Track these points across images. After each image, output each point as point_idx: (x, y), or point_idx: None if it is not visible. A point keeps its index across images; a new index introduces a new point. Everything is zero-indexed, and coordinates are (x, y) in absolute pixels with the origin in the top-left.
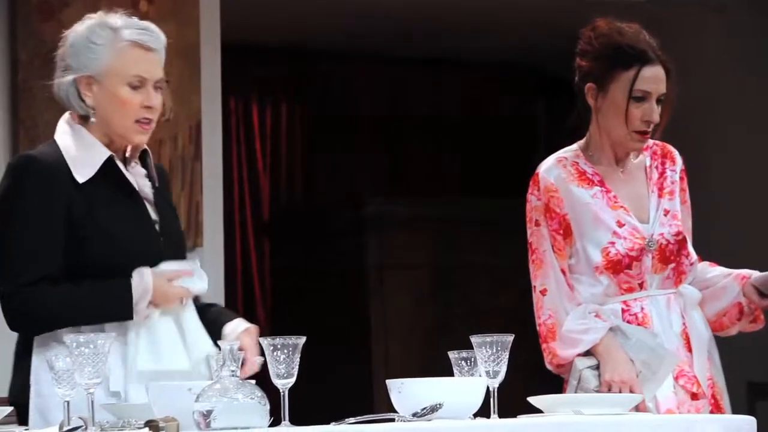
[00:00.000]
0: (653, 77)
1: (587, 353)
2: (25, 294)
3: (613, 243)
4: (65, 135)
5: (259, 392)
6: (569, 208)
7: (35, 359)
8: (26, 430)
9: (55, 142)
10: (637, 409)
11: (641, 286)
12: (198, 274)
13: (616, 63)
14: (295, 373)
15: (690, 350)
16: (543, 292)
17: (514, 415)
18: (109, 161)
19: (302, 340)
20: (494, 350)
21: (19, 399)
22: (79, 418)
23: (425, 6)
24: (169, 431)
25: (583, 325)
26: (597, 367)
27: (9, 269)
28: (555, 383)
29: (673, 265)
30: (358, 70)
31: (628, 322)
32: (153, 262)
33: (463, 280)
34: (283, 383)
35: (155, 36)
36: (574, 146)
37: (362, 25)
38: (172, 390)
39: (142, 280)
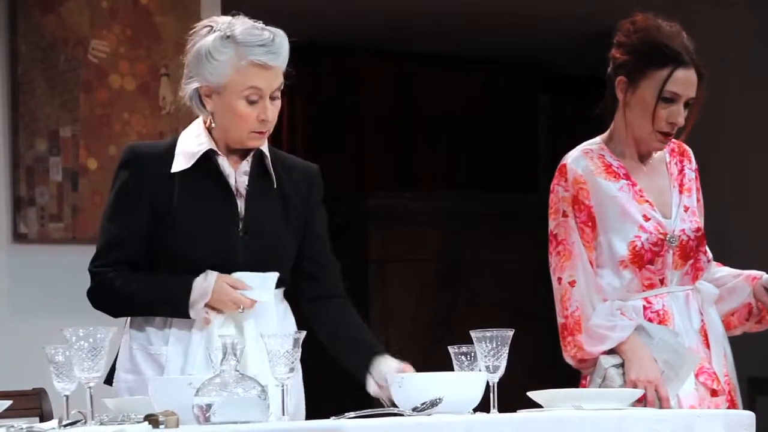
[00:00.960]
0: (685, 80)
1: (611, 351)
2: (101, 275)
3: (639, 237)
4: (189, 130)
5: (259, 386)
6: (595, 200)
7: (122, 344)
8: (27, 424)
9: (179, 134)
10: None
11: (662, 282)
12: (263, 288)
13: (651, 60)
14: (297, 368)
15: (708, 347)
16: (571, 284)
17: (513, 410)
18: (208, 154)
19: (302, 334)
20: (494, 345)
21: (106, 381)
22: (79, 412)
23: (429, 2)
24: (169, 425)
25: (611, 321)
26: (622, 366)
27: (97, 252)
28: (555, 378)
29: (692, 261)
30: (362, 64)
31: (650, 319)
32: (223, 258)
33: (466, 274)
34: (284, 377)
35: (277, 52)
36: (597, 139)
37: (366, 20)
38: (171, 384)
39: (205, 281)
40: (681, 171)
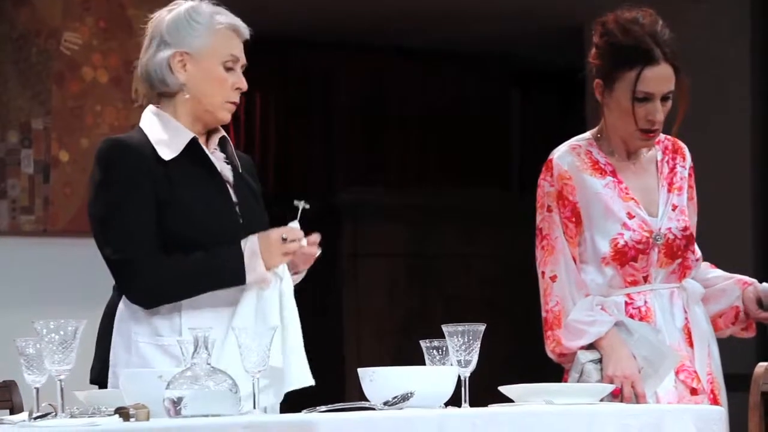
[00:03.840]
0: (655, 78)
1: (590, 347)
2: (140, 263)
3: (621, 234)
4: (150, 121)
5: (230, 380)
6: (580, 196)
7: (114, 339)
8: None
9: (140, 128)
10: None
11: (645, 279)
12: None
13: (619, 63)
14: (268, 362)
15: (691, 345)
16: (553, 279)
17: (485, 404)
18: (193, 143)
19: (275, 328)
20: (466, 339)
21: (99, 378)
22: (50, 404)
23: None
24: (139, 418)
25: (590, 316)
26: (599, 361)
27: (117, 243)
28: (527, 372)
29: (679, 260)
30: (333, 59)
31: (631, 315)
32: (231, 241)
33: (438, 269)
34: (256, 371)
35: (245, 25)
36: (587, 134)
37: (336, 16)
38: (142, 377)
39: (249, 242)
40: (672, 169)
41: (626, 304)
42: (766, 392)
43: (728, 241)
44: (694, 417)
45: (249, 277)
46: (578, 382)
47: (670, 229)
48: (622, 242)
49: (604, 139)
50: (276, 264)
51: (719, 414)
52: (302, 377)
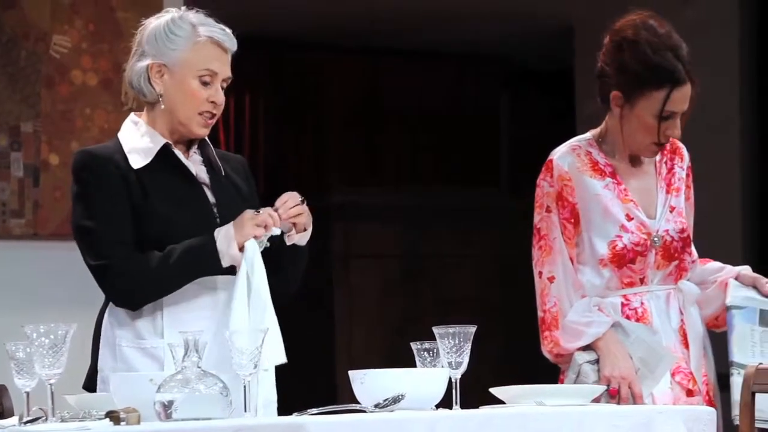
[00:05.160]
0: (682, 97)
1: (587, 347)
2: (119, 266)
3: (620, 236)
4: (126, 129)
5: (221, 383)
6: (579, 197)
7: (101, 345)
8: None
9: (116, 137)
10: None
11: (642, 281)
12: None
13: (646, 81)
14: (259, 363)
15: (687, 346)
16: (551, 279)
17: (476, 406)
18: (166, 149)
19: (266, 330)
20: (457, 341)
21: (91, 385)
22: (40, 408)
23: None
24: (130, 422)
25: (587, 317)
26: (596, 362)
27: (97, 248)
28: (518, 373)
29: (676, 262)
30: (326, 60)
31: (627, 316)
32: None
33: (430, 270)
34: (246, 373)
35: (230, 38)
36: (588, 135)
37: (329, 15)
38: (133, 381)
39: (222, 228)
40: (671, 170)
41: (622, 305)
42: (756, 392)
43: (717, 241)
44: (685, 417)
45: (224, 261)
46: (575, 383)
47: (667, 231)
48: (620, 245)
49: (606, 142)
50: (248, 234)
51: (710, 414)
52: (274, 356)
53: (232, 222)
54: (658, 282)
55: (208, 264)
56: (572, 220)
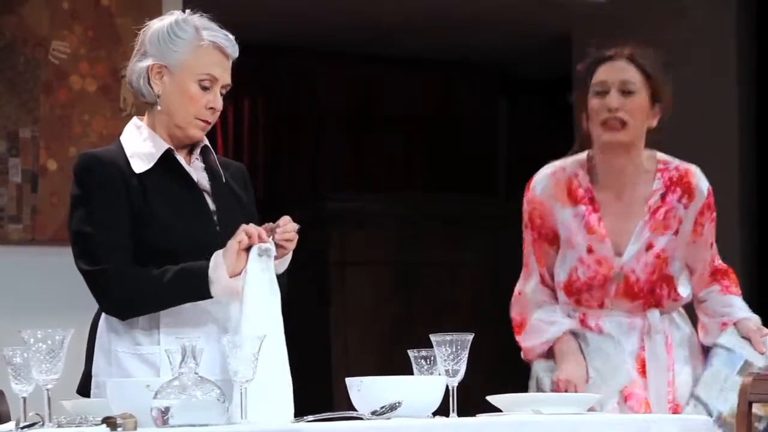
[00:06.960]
0: (607, 69)
1: (548, 357)
2: (115, 274)
3: (575, 268)
4: (129, 133)
5: (217, 389)
6: (552, 221)
7: (96, 350)
8: None
9: (119, 140)
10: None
11: (601, 305)
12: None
13: (588, 79)
14: (256, 371)
15: (644, 374)
16: (519, 293)
17: (473, 414)
18: (168, 154)
19: (263, 337)
20: (454, 349)
21: (85, 389)
22: (37, 414)
23: (389, 4)
24: (127, 428)
25: (552, 317)
26: (553, 371)
27: (91, 253)
28: (515, 381)
29: (641, 301)
30: (321, 66)
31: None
32: (207, 249)
33: (425, 276)
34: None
35: (233, 44)
36: (582, 155)
37: (324, 22)
38: (130, 386)
39: (215, 255)
40: (665, 203)
41: (580, 320)
42: (753, 402)
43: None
44: (680, 427)
45: (213, 289)
46: (537, 390)
47: (633, 270)
48: (575, 276)
49: (594, 161)
50: (241, 266)
51: (706, 425)
52: (281, 414)
53: (221, 250)
54: (619, 309)
55: (196, 294)
56: (545, 240)
